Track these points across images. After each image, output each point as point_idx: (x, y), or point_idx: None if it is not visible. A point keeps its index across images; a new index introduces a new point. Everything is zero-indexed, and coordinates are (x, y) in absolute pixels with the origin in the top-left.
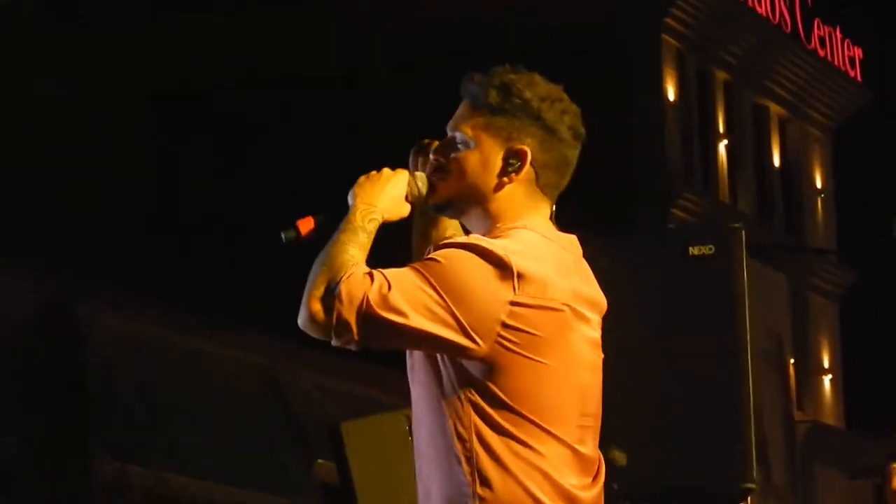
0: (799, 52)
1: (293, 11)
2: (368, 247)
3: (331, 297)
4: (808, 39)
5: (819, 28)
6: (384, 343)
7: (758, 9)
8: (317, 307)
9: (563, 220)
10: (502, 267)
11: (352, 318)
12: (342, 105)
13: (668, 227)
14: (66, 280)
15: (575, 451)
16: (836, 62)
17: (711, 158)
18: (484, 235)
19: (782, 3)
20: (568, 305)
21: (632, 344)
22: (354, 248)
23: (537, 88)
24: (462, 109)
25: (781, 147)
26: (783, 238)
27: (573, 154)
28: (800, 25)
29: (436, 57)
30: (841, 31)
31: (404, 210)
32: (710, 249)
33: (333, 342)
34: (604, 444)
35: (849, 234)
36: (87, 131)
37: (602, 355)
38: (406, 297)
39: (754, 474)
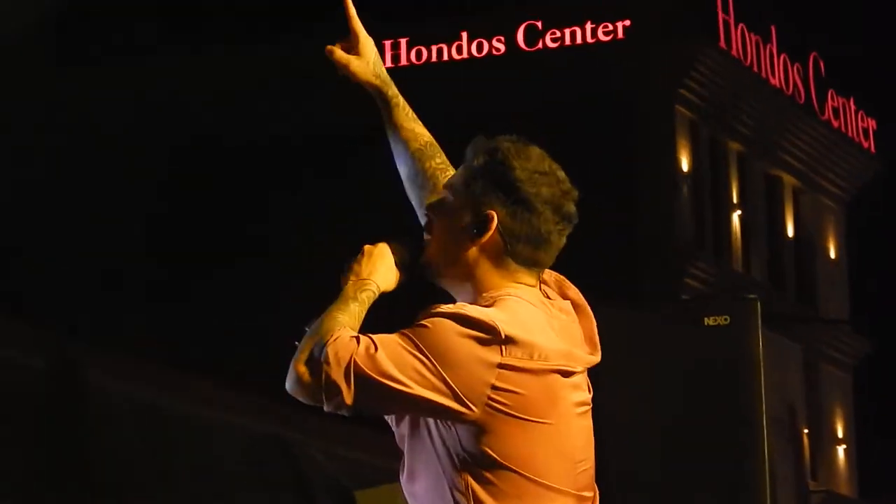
0: (812, 123)
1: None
2: (361, 316)
3: (317, 359)
4: (822, 110)
5: (833, 99)
6: (375, 406)
7: (771, 80)
8: (303, 369)
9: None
10: (489, 331)
11: (340, 379)
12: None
13: (683, 297)
14: (72, 345)
15: (579, 498)
16: (849, 133)
17: (724, 229)
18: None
19: (796, 74)
20: (556, 368)
21: (647, 413)
22: (344, 315)
23: (527, 161)
24: (458, 170)
25: (795, 218)
26: (796, 308)
27: (552, 230)
28: (813, 96)
29: (449, 127)
30: (854, 103)
31: (397, 278)
32: (726, 320)
33: (325, 407)
34: None
35: (862, 304)
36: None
37: (590, 396)
38: (394, 360)
39: None
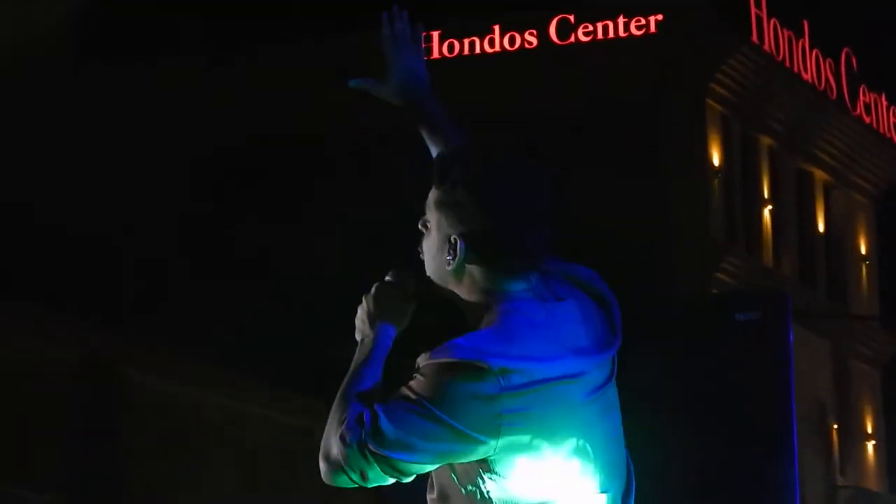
0: (844, 119)
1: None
2: (379, 370)
3: (336, 450)
4: (854, 106)
5: (864, 95)
6: (403, 471)
7: (803, 75)
8: (328, 462)
9: (607, 280)
10: (479, 368)
11: (358, 462)
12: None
13: (714, 292)
14: (109, 338)
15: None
16: (881, 129)
17: (755, 224)
18: (477, 319)
19: (828, 69)
20: (562, 375)
21: (677, 409)
22: (357, 385)
23: (479, 172)
24: (434, 197)
25: (825, 213)
26: (826, 304)
27: (524, 233)
28: (845, 92)
29: (479, 125)
30: (886, 98)
31: (407, 312)
32: (757, 315)
33: (364, 485)
34: None
35: (892, 300)
36: (131, 184)
37: (607, 379)
38: (401, 425)
39: None
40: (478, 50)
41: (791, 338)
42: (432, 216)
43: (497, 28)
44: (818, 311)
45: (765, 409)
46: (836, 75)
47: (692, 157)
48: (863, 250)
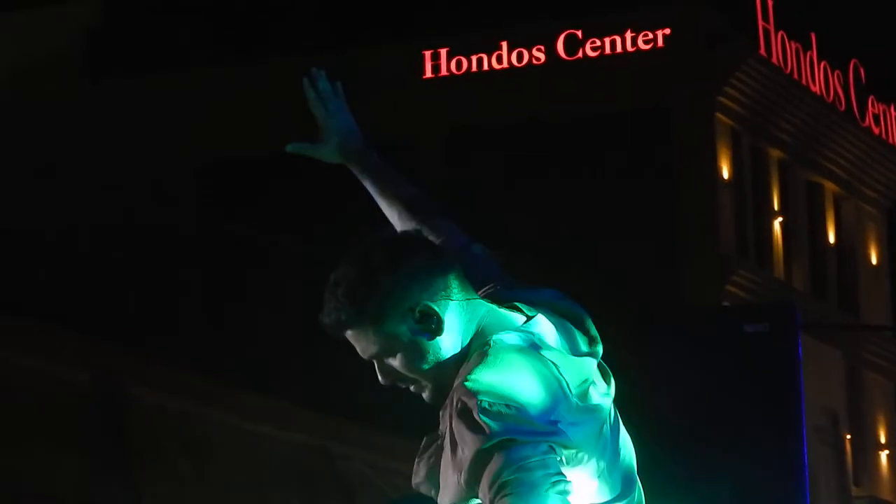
0: (853, 130)
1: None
2: None
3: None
4: (863, 117)
5: (873, 105)
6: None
7: (812, 87)
8: None
9: (618, 299)
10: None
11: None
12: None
13: (723, 305)
14: (120, 358)
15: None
16: (890, 140)
17: (766, 236)
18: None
19: (836, 80)
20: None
21: (690, 421)
22: None
23: (400, 267)
24: (358, 338)
25: (836, 224)
26: (838, 315)
27: (437, 268)
28: (854, 103)
29: (489, 136)
30: (895, 109)
31: None
32: (766, 328)
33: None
34: None
35: None
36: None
37: (610, 409)
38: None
39: None
40: (486, 66)
41: (800, 349)
42: (383, 335)
43: (505, 44)
44: (830, 322)
45: (775, 420)
46: (845, 87)
47: (702, 171)
48: (874, 261)
